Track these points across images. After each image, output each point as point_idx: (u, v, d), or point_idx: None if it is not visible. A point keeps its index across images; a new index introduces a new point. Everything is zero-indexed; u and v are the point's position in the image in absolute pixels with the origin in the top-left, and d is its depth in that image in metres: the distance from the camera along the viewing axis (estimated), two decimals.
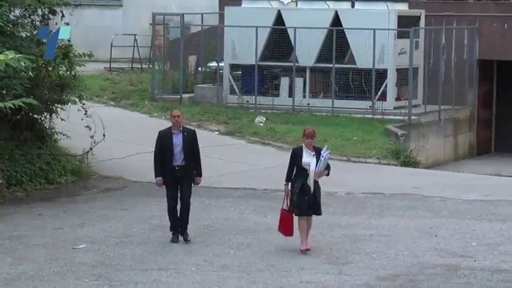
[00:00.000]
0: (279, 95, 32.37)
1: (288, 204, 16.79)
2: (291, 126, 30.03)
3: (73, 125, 24.25)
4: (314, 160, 16.56)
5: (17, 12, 22.93)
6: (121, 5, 40.91)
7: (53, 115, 24.04)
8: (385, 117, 30.59)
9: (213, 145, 28.35)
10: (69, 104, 24.06)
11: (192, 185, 17.67)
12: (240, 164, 25.69)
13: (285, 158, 27.86)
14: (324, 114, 31.09)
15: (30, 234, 18.52)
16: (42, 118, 24.04)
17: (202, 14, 34.64)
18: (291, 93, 32.04)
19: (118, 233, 18.70)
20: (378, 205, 21.71)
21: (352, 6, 32.79)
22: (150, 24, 34.89)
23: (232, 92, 32.79)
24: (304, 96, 32.02)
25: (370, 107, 31.07)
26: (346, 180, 24.42)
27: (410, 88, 31.16)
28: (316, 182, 16.68)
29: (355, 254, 17.13)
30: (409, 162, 28.32)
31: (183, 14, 34.03)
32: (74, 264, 16.42)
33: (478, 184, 25.34)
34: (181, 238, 17.68)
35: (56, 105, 23.87)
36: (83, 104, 23.94)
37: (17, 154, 22.78)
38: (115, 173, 24.86)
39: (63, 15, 23.58)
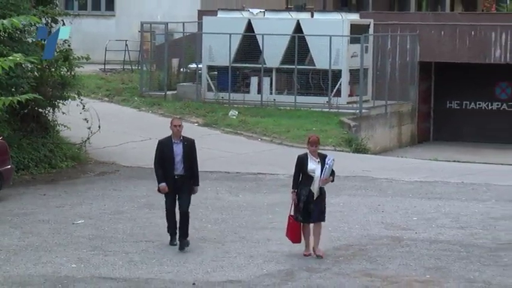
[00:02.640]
0: (249, 92, 32.35)
1: (295, 212, 15.06)
2: (260, 118, 30.07)
3: (72, 118, 24.22)
4: (319, 167, 14.89)
5: (24, 21, 22.81)
6: (114, 15, 40.83)
7: (55, 109, 24.16)
8: (339, 110, 30.63)
9: (193, 135, 28.30)
10: (69, 99, 24.12)
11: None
12: (216, 151, 25.67)
13: (254, 145, 28.14)
14: (288, 108, 31.11)
15: (36, 212, 18.50)
16: (46, 112, 24.11)
17: (183, 23, 34.61)
18: (259, 91, 32.03)
19: (111, 210, 18.68)
20: (334, 186, 21.67)
21: (312, 16, 32.86)
22: (139, 31, 34.80)
23: (209, 89, 32.77)
24: (271, 93, 32.01)
25: (327, 102, 31.10)
26: None
27: (361, 86, 31.21)
28: (321, 189, 15.01)
29: None
30: (360, 149, 28.41)
31: (167, 23, 34.11)
32: (74, 237, 16.40)
33: (419, 168, 25.45)
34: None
35: (58, 100, 23.99)
36: (81, 100, 23.98)
37: (24, 143, 22.79)
38: (109, 159, 24.82)
39: (63, 24, 23.49)
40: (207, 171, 23.29)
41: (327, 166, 14.80)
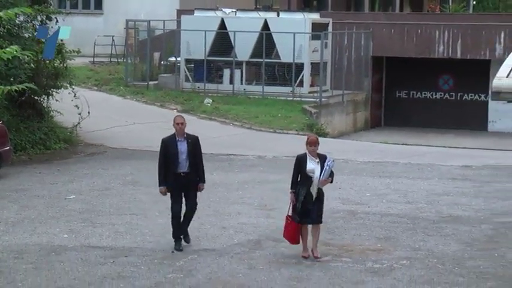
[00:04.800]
0: (222, 83, 32.27)
1: (292, 211, 13.37)
2: (232, 106, 30.03)
3: (65, 105, 24.10)
4: (318, 167, 13.10)
5: (22, 18, 22.78)
6: (102, 13, 40.63)
7: (50, 97, 24.06)
8: (302, 99, 30.63)
9: (172, 120, 28.20)
10: (62, 88, 24.03)
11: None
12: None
13: (227, 130, 28.08)
14: (256, 97, 31.08)
15: (32, 188, 18.38)
16: (41, 99, 24.02)
17: (164, 21, 34.46)
18: (231, 81, 31.97)
19: (99, 187, 18.59)
20: None
21: (278, 15, 32.86)
22: (124, 28, 34.58)
23: (187, 80, 32.66)
24: (242, 83, 31.95)
25: (291, 91, 31.10)
26: (273, 147, 24.45)
27: (321, 77, 31.23)
28: (319, 190, 13.25)
29: (279, 202, 17.13)
30: (320, 133, 28.39)
31: (149, 21, 33.98)
32: (66, 211, 16.31)
33: (371, 150, 25.52)
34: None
35: (51, 89, 23.92)
36: (73, 89, 23.90)
37: (21, 127, 22.69)
38: (97, 141, 24.71)
39: (57, 21, 23.35)
40: None
41: (327, 167, 13.07)
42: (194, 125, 27.89)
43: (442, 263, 13.29)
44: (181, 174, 13.51)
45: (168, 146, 13.62)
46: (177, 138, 13.63)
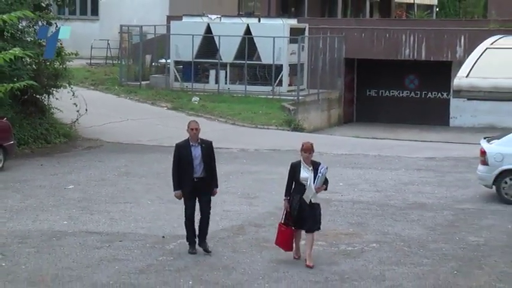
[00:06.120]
0: (208, 82, 32.21)
1: (285, 219, 12.22)
2: (217, 103, 29.99)
3: (64, 103, 24.00)
4: (312, 175, 11.98)
5: (24, 23, 22.69)
6: (98, 19, 40.49)
7: (50, 96, 23.95)
8: (281, 97, 30.62)
9: (163, 117, 28.22)
10: (62, 88, 23.92)
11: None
12: (181, 130, 25.45)
13: (213, 125, 28.03)
14: (240, 95, 31.05)
15: (34, 179, 18.31)
16: (43, 98, 23.95)
17: (155, 26, 34.39)
18: (216, 81, 31.93)
19: (96, 178, 18.54)
20: (277, 158, 21.78)
21: (259, 21, 32.80)
22: (119, 32, 34.47)
23: (176, 80, 32.59)
24: (226, 83, 31.91)
25: (271, 90, 31.10)
26: (255, 141, 24.45)
27: (298, 77, 31.24)
28: (315, 197, 12.11)
29: (261, 191, 17.18)
30: (297, 128, 28.46)
31: (141, 26, 33.89)
32: (65, 199, 16.27)
33: (344, 143, 25.57)
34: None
35: (52, 88, 23.85)
36: (71, 88, 23.78)
37: (24, 123, 22.61)
38: (94, 136, 24.63)
39: (56, 26, 23.21)
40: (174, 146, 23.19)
41: (320, 175, 11.94)
42: (183, 121, 27.78)
43: (408, 246, 13.35)
44: (195, 179, 12.38)
45: (182, 151, 12.52)
46: (191, 143, 12.61)
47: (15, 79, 20.97)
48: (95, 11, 40.87)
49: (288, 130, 27.82)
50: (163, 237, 13.62)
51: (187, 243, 12.75)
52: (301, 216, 12.02)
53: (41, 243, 13.14)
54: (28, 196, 16.53)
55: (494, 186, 16.94)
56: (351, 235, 13.92)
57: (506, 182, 16.77)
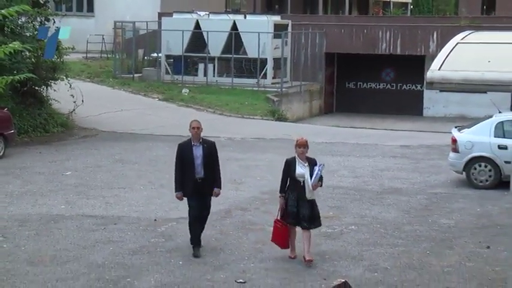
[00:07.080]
0: (197, 75, 32.15)
1: (281, 215, 11.39)
2: (206, 95, 29.93)
3: (62, 94, 23.90)
4: (308, 171, 11.14)
5: (23, 19, 22.56)
6: (93, 15, 40.34)
7: (48, 87, 23.83)
8: (265, 89, 30.60)
9: (154, 107, 28.14)
10: (59, 80, 23.81)
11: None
12: (171, 120, 25.52)
13: (202, 115, 27.95)
14: (227, 87, 31.00)
15: (33, 166, 18.23)
16: (41, 89, 23.82)
17: (147, 22, 34.29)
18: (205, 74, 31.87)
19: (92, 165, 18.48)
20: (262, 146, 21.79)
21: (245, 17, 32.77)
22: (113, 28, 34.33)
23: (167, 72, 32.50)
24: (214, 76, 31.85)
25: (256, 82, 31.06)
26: (241, 130, 24.43)
27: (282, 70, 31.22)
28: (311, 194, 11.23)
29: (247, 177, 17.18)
30: (281, 118, 28.47)
31: (134, 22, 33.79)
32: (63, 185, 16.21)
33: (325, 132, 25.59)
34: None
35: (50, 81, 23.72)
36: (68, 80, 23.65)
37: (24, 113, 22.51)
38: (90, 125, 24.55)
39: (54, 22, 23.12)
40: (164, 135, 23.18)
41: (318, 172, 11.17)
42: (173, 112, 27.92)
43: (384, 228, 13.39)
44: (197, 180, 11.47)
45: (184, 151, 11.55)
46: (193, 143, 11.56)
47: (15, 72, 20.85)
48: (91, 8, 40.73)
49: (272, 120, 27.82)
50: (155, 220, 13.60)
51: (191, 245, 11.66)
52: (299, 212, 11.19)
53: (40, 226, 13.09)
54: (28, 182, 16.46)
55: (464, 172, 17.04)
56: (331, 218, 13.94)
57: (475, 168, 16.86)
